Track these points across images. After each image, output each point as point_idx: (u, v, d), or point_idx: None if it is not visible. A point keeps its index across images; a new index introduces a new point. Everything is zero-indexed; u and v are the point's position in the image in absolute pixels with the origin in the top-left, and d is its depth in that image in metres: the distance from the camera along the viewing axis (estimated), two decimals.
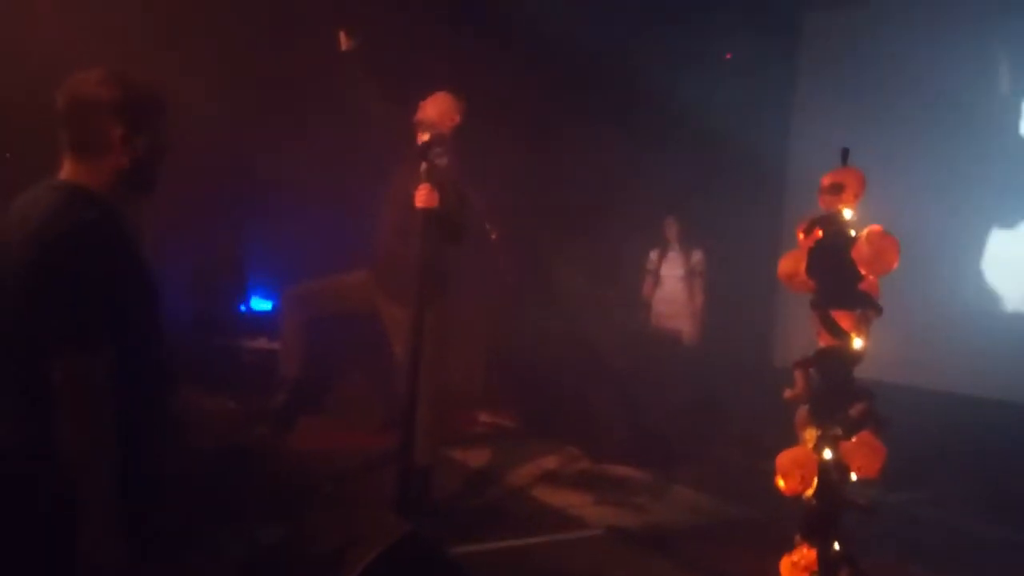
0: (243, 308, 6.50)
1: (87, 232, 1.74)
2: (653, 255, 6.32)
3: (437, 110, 3.82)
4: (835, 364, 2.66)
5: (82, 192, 1.81)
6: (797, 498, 2.69)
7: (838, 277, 2.63)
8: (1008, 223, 5.72)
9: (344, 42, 3.76)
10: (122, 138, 1.83)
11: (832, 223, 2.65)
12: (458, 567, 2.56)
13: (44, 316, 1.69)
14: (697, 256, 6.14)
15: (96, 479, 1.68)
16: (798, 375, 2.73)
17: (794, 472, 2.62)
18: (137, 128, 1.84)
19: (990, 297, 5.78)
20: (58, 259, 1.70)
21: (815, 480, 2.64)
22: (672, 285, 6.19)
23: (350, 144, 4.52)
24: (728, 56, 7.01)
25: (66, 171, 1.85)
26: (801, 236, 2.71)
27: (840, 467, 2.64)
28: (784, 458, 2.67)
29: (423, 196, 3.38)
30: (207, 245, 6.21)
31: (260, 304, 6.57)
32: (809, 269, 2.66)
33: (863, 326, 2.62)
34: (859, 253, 2.58)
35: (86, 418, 1.67)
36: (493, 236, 4.02)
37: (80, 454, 1.67)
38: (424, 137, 3.66)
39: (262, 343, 5.96)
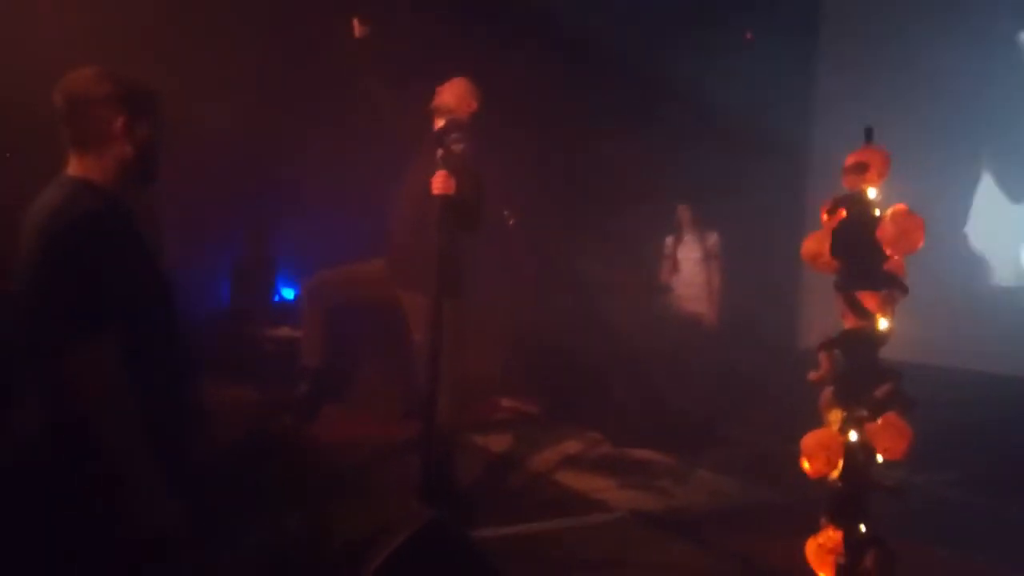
0: (277, 298, 6.56)
1: (92, 222, 1.82)
2: (669, 240, 6.32)
3: (454, 96, 3.80)
4: (860, 345, 2.62)
5: (87, 185, 1.90)
6: (823, 480, 2.67)
7: (863, 257, 2.60)
8: None
9: (358, 29, 3.75)
10: (123, 128, 1.92)
11: (856, 203, 2.61)
12: (482, 553, 2.56)
13: (56, 304, 1.76)
14: (712, 239, 6.14)
15: (129, 453, 1.75)
16: (823, 356, 2.70)
17: (819, 454, 2.60)
18: (136, 118, 1.94)
19: (1018, 274, 5.69)
20: (65, 249, 1.78)
21: (840, 462, 2.62)
22: (689, 269, 6.19)
23: (367, 132, 4.51)
24: (749, 36, 6.94)
25: (72, 167, 1.93)
26: (825, 216, 2.67)
27: (866, 449, 2.61)
28: (809, 440, 2.64)
29: (440, 182, 3.36)
30: (238, 239, 6.30)
31: (288, 293, 6.63)
32: (833, 249, 2.62)
33: (888, 306, 2.59)
34: (884, 233, 2.54)
35: (105, 397, 1.74)
36: (511, 222, 4.01)
37: (108, 433, 1.73)
38: (441, 123, 3.64)
39: (284, 332, 6.01)
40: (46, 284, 1.78)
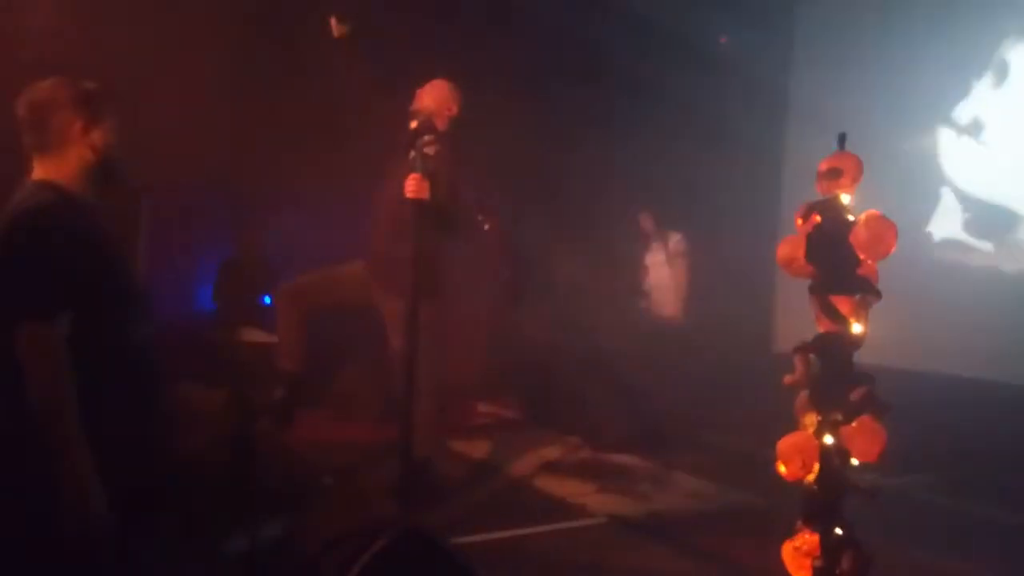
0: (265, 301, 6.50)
1: (46, 213, 1.92)
2: (644, 244, 6.38)
3: (433, 98, 3.78)
4: (835, 349, 2.65)
5: (48, 185, 2.00)
6: (798, 484, 2.69)
7: (837, 262, 2.62)
8: (1006, 203, 5.70)
9: (336, 29, 3.73)
10: (81, 131, 2.02)
11: (830, 208, 2.64)
12: (460, 558, 2.55)
13: (7, 288, 1.87)
14: (674, 239, 6.21)
15: (63, 435, 1.81)
16: (798, 360, 2.72)
17: (795, 458, 2.62)
18: (94, 121, 2.03)
19: (988, 279, 5.77)
20: (18, 236, 1.89)
21: (816, 465, 2.64)
22: (657, 273, 6.26)
23: (346, 136, 4.50)
24: (723, 40, 7.00)
25: (35, 173, 2.04)
26: (800, 222, 2.69)
27: (841, 452, 2.63)
28: (785, 444, 2.66)
29: (413, 186, 3.34)
30: (219, 242, 6.26)
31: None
32: (808, 254, 2.65)
33: (862, 311, 2.61)
34: (857, 238, 2.57)
35: (46, 381, 1.82)
36: (486, 227, 4.00)
37: (44, 413, 1.81)
38: (413, 125, 3.62)
39: (259, 336, 5.95)
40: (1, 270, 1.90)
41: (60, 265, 1.88)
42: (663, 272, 6.25)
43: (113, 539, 1.85)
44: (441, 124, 3.78)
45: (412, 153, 3.31)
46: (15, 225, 1.91)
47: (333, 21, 3.73)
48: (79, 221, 1.98)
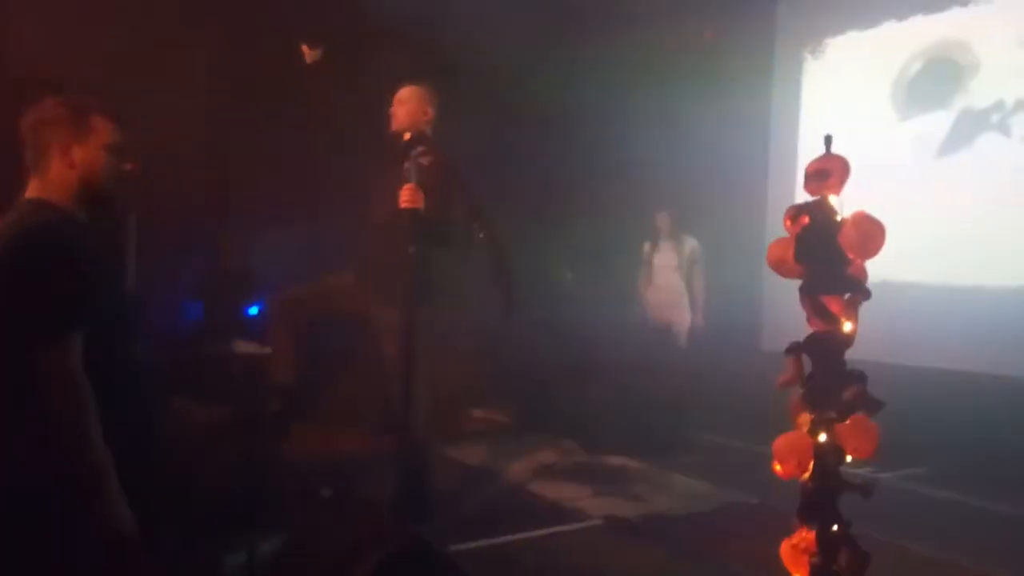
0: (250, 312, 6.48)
1: (42, 233, 1.94)
2: (646, 247, 6.35)
3: (407, 104, 3.80)
4: (826, 349, 2.67)
5: (40, 202, 2.03)
6: (794, 482, 2.71)
7: (826, 262, 2.65)
8: (996, 197, 5.76)
9: (308, 55, 3.76)
10: (60, 148, 2.05)
11: (818, 209, 2.66)
12: (460, 567, 2.56)
13: (12, 308, 1.87)
14: (691, 245, 6.20)
15: (86, 454, 1.84)
16: (790, 361, 2.74)
17: (790, 457, 2.64)
18: (75, 140, 2.06)
19: (976, 272, 5.82)
20: (16, 258, 1.90)
21: (811, 464, 2.66)
22: (666, 276, 6.24)
23: (332, 146, 4.50)
24: (708, 35, 7.05)
25: (29, 189, 2.08)
26: (788, 223, 2.72)
27: (836, 450, 2.65)
28: (780, 443, 2.68)
29: (407, 196, 3.36)
30: (208, 256, 6.24)
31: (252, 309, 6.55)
32: (797, 256, 2.67)
33: (852, 310, 2.64)
34: (846, 238, 2.60)
35: (62, 402, 1.82)
36: (480, 235, 4.01)
37: (66, 437, 1.82)
38: (406, 136, 3.64)
39: (251, 348, 5.94)
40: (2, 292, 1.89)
41: (68, 286, 1.89)
42: (672, 276, 6.21)
43: (140, 546, 1.90)
44: (421, 129, 3.78)
45: (406, 164, 3.33)
46: (18, 245, 1.91)
47: (304, 48, 3.76)
48: (78, 239, 2.00)
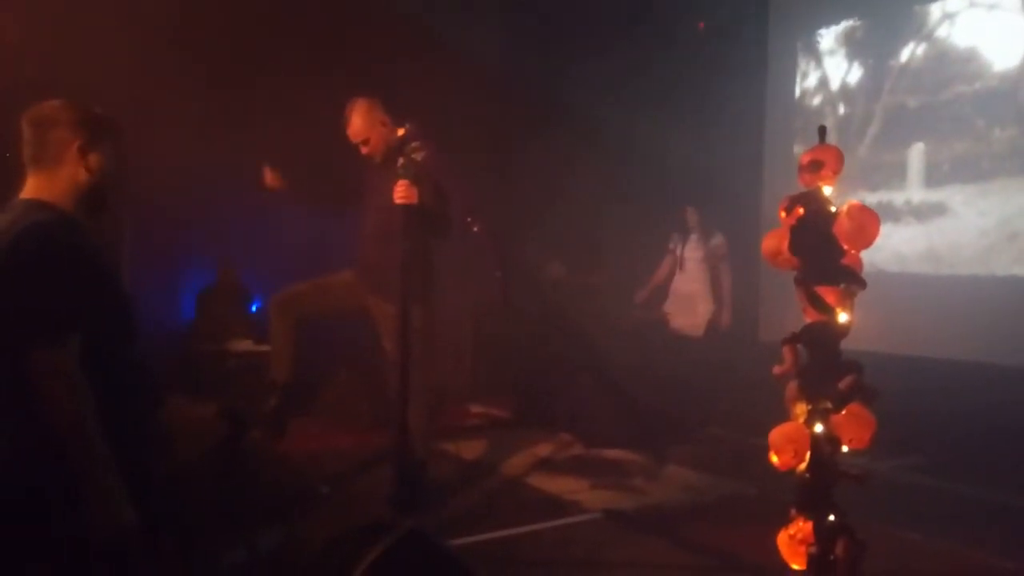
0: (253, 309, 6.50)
1: (48, 233, 1.91)
2: (675, 238, 6.41)
3: (360, 119, 3.80)
4: (822, 339, 2.68)
5: (38, 203, 2.00)
6: (791, 472, 2.72)
7: (821, 253, 2.66)
8: (990, 189, 5.77)
9: (269, 177, 3.80)
10: (78, 151, 2.02)
11: (813, 200, 2.67)
12: (460, 560, 2.57)
13: (11, 310, 1.85)
14: (717, 240, 6.26)
15: (88, 453, 1.83)
16: (786, 351, 2.75)
17: (787, 447, 2.65)
18: (92, 144, 2.04)
19: (969, 261, 5.84)
20: (16, 258, 1.87)
21: (808, 454, 2.67)
22: (693, 267, 6.30)
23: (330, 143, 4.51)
24: (701, 26, 7.06)
25: (27, 189, 2.04)
26: (783, 214, 2.73)
27: (831, 440, 2.67)
28: (776, 434, 2.69)
29: (402, 192, 3.37)
30: (207, 255, 6.24)
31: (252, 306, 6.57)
32: (792, 246, 2.68)
33: (847, 300, 2.65)
34: (841, 228, 2.61)
35: (63, 404, 1.81)
36: (475, 229, 4.02)
37: (69, 439, 1.81)
38: (400, 132, 3.64)
39: (248, 345, 5.95)
40: (2, 291, 1.88)
41: (68, 287, 1.88)
42: (699, 268, 6.27)
43: (145, 547, 1.90)
44: (378, 140, 3.79)
45: (401, 160, 3.34)
46: (17, 247, 1.88)
47: (267, 171, 3.77)
48: (78, 239, 1.99)
